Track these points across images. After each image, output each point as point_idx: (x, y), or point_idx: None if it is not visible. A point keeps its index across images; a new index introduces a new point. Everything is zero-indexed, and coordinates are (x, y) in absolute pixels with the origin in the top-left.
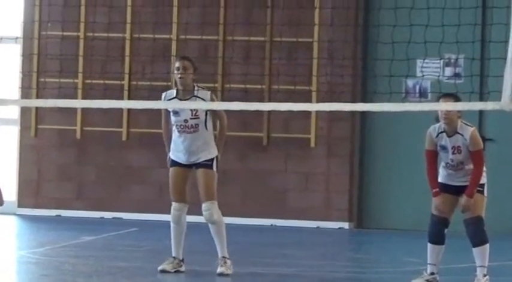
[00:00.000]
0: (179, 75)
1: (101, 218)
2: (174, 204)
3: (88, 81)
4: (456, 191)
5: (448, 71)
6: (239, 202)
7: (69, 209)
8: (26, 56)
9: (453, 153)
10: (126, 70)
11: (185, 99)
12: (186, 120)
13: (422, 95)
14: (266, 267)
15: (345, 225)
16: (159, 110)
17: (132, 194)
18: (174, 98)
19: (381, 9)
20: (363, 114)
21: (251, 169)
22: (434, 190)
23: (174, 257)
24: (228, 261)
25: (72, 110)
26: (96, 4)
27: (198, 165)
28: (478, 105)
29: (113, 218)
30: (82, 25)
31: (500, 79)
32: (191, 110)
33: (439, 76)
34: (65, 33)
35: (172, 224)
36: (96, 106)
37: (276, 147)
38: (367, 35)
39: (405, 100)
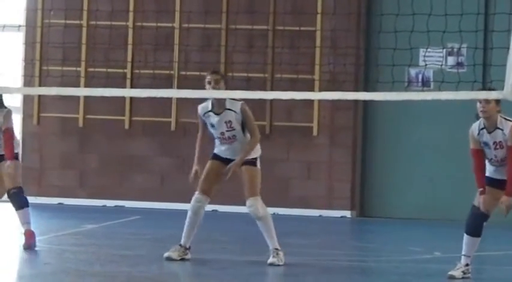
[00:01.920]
0: (212, 87)
1: (103, 206)
2: (196, 195)
3: (91, 69)
4: (503, 185)
5: (451, 60)
6: (241, 191)
7: (72, 197)
8: (29, 44)
9: (495, 148)
10: (129, 58)
11: (219, 113)
12: (222, 133)
13: (425, 84)
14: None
15: (347, 213)
16: (161, 98)
17: (134, 183)
18: (210, 111)
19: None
20: (366, 103)
21: None
22: (480, 189)
23: (180, 245)
24: (280, 253)
25: (75, 98)
26: None
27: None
28: (481, 94)
29: (115, 206)
30: (85, 13)
31: (503, 68)
32: (226, 123)
33: (441, 65)
34: (67, 22)
35: (190, 213)
36: (98, 94)
37: (279, 136)
38: (370, 24)
39: (408, 89)
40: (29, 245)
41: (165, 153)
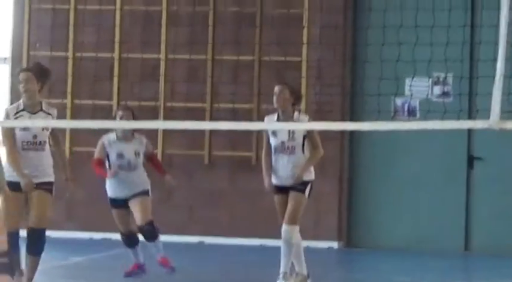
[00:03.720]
0: (275, 98)
1: (90, 238)
2: (283, 227)
3: (77, 101)
4: None
5: (437, 90)
6: (228, 222)
7: (59, 230)
8: (15, 77)
9: None
10: (115, 90)
11: (285, 121)
12: (283, 142)
13: (411, 113)
14: None
15: (334, 244)
16: (148, 130)
17: None
18: (276, 120)
19: (369, 28)
20: (352, 133)
21: (240, 189)
22: None
23: (296, 273)
24: (301, 277)
25: (61, 130)
26: (84, 24)
27: (291, 188)
28: (467, 124)
29: (102, 238)
30: (70, 45)
31: (489, 97)
32: (288, 132)
33: (427, 95)
34: (53, 54)
35: (282, 243)
36: (85, 126)
37: None
38: (356, 54)
39: (394, 119)
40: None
41: (151, 186)
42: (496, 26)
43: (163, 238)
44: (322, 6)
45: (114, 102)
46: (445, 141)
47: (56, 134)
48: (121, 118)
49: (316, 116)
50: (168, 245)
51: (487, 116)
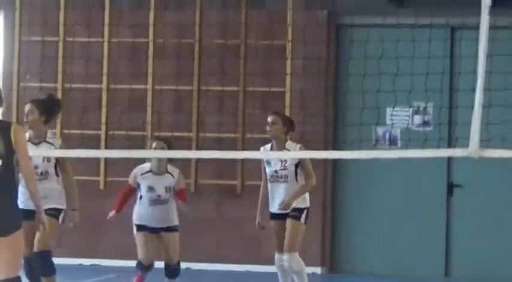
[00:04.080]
0: (268, 128)
1: (80, 264)
2: (276, 255)
3: (66, 131)
4: None
5: (417, 119)
6: (214, 248)
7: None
8: (5, 107)
9: None
10: (103, 120)
11: (278, 151)
12: (276, 171)
13: (392, 142)
14: None
15: (318, 270)
16: (136, 159)
17: (110, 241)
18: (270, 150)
19: (350, 59)
20: (335, 162)
21: (226, 216)
22: None
23: None
24: None
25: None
26: (73, 56)
27: (287, 215)
28: (446, 152)
29: (91, 264)
30: (60, 76)
31: (468, 126)
32: (281, 162)
33: (408, 124)
34: (43, 85)
35: (279, 273)
36: (74, 156)
37: (250, 195)
38: (338, 85)
39: (376, 148)
40: None
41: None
42: (475, 57)
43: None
44: (305, 38)
45: (103, 131)
46: (425, 169)
47: (62, 164)
48: (155, 149)
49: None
50: (158, 271)
51: (466, 144)
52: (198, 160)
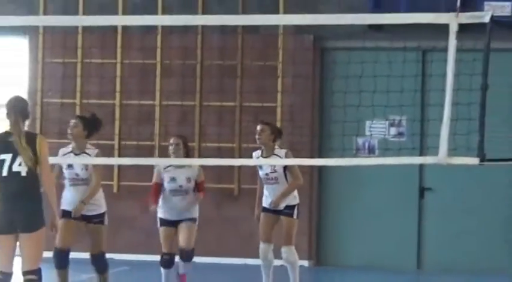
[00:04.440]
0: (257, 136)
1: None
2: (261, 244)
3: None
4: None
5: (393, 131)
6: (215, 244)
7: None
8: (30, 120)
9: None
10: (116, 132)
11: (267, 156)
12: (267, 174)
13: (371, 151)
14: None
15: (305, 263)
16: (145, 166)
17: (122, 238)
18: (260, 156)
19: (334, 78)
20: (320, 168)
21: (225, 216)
22: None
23: None
24: None
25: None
26: (89, 75)
27: (281, 213)
28: (418, 160)
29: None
30: (78, 93)
31: (437, 137)
32: (271, 166)
33: (385, 135)
34: (63, 101)
35: (261, 261)
36: (91, 163)
37: (246, 197)
38: (323, 100)
39: (356, 156)
40: None
41: (148, 213)
42: (443, 76)
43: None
44: (294, 60)
45: (116, 142)
46: (400, 175)
47: (93, 171)
48: (172, 145)
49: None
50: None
51: (436, 153)
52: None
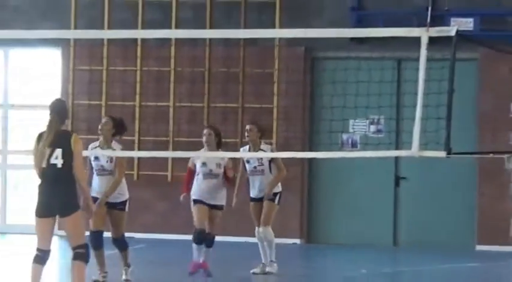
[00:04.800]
0: (246, 134)
1: None
2: (256, 229)
3: None
4: None
5: (373, 128)
6: (221, 225)
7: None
8: None
9: None
10: (136, 129)
11: (254, 151)
12: (255, 167)
13: (354, 145)
14: (244, 271)
15: (297, 241)
16: (161, 158)
17: (141, 220)
18: (248, 151)
19: (322, 84)
20: (311, 160)
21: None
22: None
23: (263, 263)
24: (275, 264)
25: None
26: (113, 81)
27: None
28: (394, 153)
29: (127, 237)
30: (103, 96)
31: (411, 134)
32: (258, 160)
33: (365, 132)
34: (90, 102)
35: (258, 242)
36: (115, 155)
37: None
38: (313, 102)
39: (341, 150)
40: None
41: (163, 198)
42: (416, 82)
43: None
44: (288, 67)
45: (136, 137)
46: (378, 166)
47: (116, 165)
48: (205, 135)
49: (284, 148)
50: (177, 242)
51: (409, 147)
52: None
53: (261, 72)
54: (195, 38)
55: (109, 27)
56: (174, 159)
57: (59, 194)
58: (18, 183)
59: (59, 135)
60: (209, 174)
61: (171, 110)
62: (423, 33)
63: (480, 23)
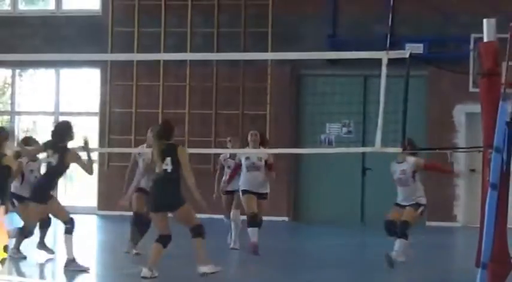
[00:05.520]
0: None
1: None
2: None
3: (138, 137)
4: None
5: (345, 130)
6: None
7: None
8: (102, 124)
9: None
10: None
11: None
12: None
13: (330, 143)
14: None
15: (285, 219)
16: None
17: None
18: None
19: (305, 95)
20: (297, 155)
21: None
22: None
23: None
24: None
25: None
26: (140, 94)
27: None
28: (361, 149)
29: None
30: (133, 105)
31: (374, 134)
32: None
33: (339, 133)
34: (123, 110)
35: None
36: (141, 151)
37: None
38: (298, 110)
39: (320, 147)
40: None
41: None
42: (378, 93)
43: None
44: (278, 82)
45: None
46: (349, 159)
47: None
48: (251, 135)
49: (276, 146)
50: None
51: (373, 144)
52: (214, 154)
53: (257, 86)
54: (205, 60)
55: (138, 51)
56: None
57: (167, 193)
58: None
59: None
60: (252, 167)
61: (186, 116)
62: (384, 56)
63: (428, 47)
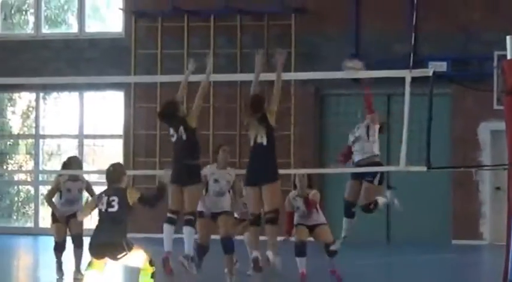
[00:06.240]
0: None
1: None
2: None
3: (163, 159)
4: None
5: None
6: None
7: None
8: (126, 146)
9: None
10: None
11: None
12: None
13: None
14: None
15: (311, 238)
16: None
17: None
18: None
19: (329, 115)
20: (321, 175)
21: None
22: None
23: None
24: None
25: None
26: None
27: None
28: (386, 168)
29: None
30: (158, 127)
31: (399, 153)
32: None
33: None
34: (147, 132)
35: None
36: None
37: None
38: (322, 128)
39: (344, 166)
40: None
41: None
42: (402, 111)
43: None
44: (302, 102)
45: None
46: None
47: None
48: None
49: (300, 165)
50: None
51: (398, 163)
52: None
53: (281, 106)
54: (229, 81)
55: (161, 73)
56: None
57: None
58: None
59: None
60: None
61: (211, 136)
62: (407, 74)
63: (451, 65)
